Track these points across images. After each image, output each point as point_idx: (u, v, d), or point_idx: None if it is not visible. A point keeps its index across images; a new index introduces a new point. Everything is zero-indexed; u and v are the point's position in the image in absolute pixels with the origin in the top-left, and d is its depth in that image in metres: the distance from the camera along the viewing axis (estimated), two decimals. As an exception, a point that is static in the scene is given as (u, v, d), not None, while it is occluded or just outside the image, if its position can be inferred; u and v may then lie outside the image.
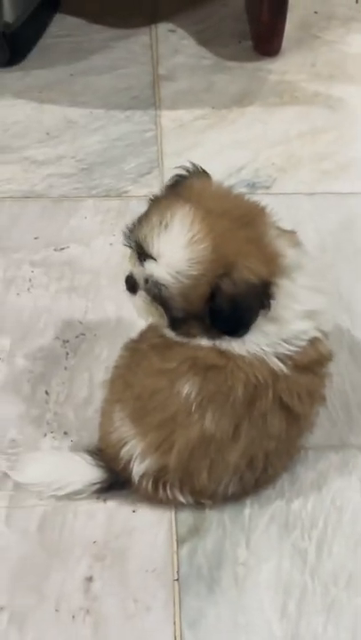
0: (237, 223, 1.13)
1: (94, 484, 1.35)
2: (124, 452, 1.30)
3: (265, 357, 1.18)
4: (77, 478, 1.34)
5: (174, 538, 1.36)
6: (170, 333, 1.22)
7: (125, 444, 1.29)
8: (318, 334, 1.22)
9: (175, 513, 1.38)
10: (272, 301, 1.13)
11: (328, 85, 2.38)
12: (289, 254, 1.17)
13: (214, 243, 1.10)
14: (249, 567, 1.33)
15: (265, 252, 1.13)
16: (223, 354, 1.18)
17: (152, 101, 2.29)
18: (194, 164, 1.25)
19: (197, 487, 1.30)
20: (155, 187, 1.99)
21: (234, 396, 1.18)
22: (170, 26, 2.57)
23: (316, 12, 2.68)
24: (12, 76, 2.37)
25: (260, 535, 1.37)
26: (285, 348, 1.18)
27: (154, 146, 2.14)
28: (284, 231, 1.22)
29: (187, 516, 1.38)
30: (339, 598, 1.30)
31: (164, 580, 1.31)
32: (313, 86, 2.38)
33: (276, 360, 1.18)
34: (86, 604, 1.28)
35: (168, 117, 2.24)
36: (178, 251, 1.10)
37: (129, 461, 1.30)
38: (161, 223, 1.12)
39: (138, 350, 1.33)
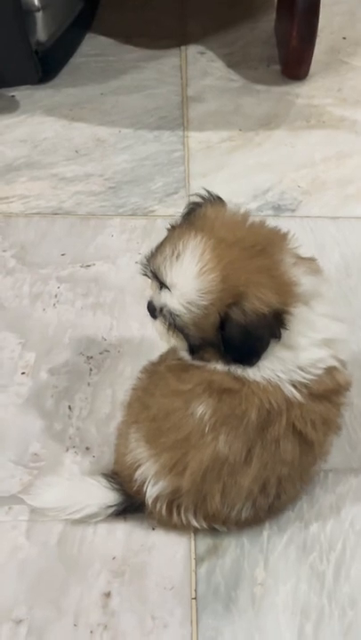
0: (250, 252, 1.14)
1: (110, 506, 1.35)
2: (139, 473, 1.30)
3: (279, 384, 1.18)
4: (93, 502, 1.35)
5: (193, 556, 1.37)
6: (187, 356, 1.24)
7: (140, 465, 1.30)
8: (336, 363, 1.22)
9: (194, 532, 1.38)
10: (284, 330, 1.14)
11: (354, 110, 2.40)
12: (305, 282, 1.17)
13: (224, 272, 1.11)
14: (266, 588, 1.33)
15: (278, 281, 1.14)
16: (238, 379, 1.19)
17: (180, 122, 2.32)
18: (209, 192, 1.26)
19: (211, 511, 1.29)
20: (181, 206, 2.00)
21: (247, 420, 1.19)
22: (200, 48, 2.61)
23: (344, 38, 2.70)
24: (43, 93, 2.40)
25: (278, 556, 1.37)
26: (301, 376, 1.19)
27: (181, 166, 2.17)
28: (303, 258, 1.22)
29: (205, 535, 1.38)
30: (356, 622, 1.30)
31: (181, 598, 1.32)
32: (339, 111, 2.40)
33: (290, 387, 1.18)
34: (104, 620, 1.29)
35: (195, 138, 2.26)
36: (188, 281, 1.12)
37: (143, 483, 1.30)
38: (173, 253, 1.14)
39: (156, 372, 1.35)
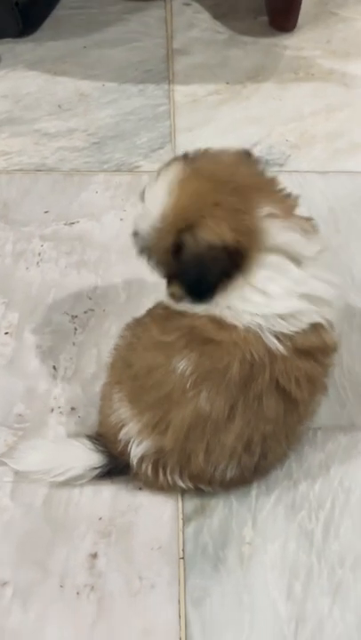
0: (223, 189, 1.13)
1: (94, 468, 1.33)
2: (123, 434, 1.29)
3: (261, 334, 1.16)
4: (77, 464, 1.33)
5: (180, 516, 1.35)
6: (171, 302, 1.25)
7: (124, 425, 1.29)
8: (321, 321, 1.20)
9: (181, 491, 1.37)
10: (239, 271, 1.14)
11: (344, 63, 2.35)
12: (279, 235, 1.15)
13: (187, 201, 1.12)
14: (255, 547, 1.32)
15: (240, 222, 1.12)
16: (220, 326, 1.18)
17: (165, 75, 2.27)
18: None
19: (195, 471, 1.28)
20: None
21: (229, 375, 1.17)
22: (185, -1, 2.55)
23: (333, -12, 2.65)
24: (24, 47, 2.35)
25: (266, 515, 1.36)
26: (282, 326, 1.17)
27: (166, 120, 2.12)
28: (296, 215, 1.20)
29: (193, 495, 1.37)
30: (345, 580, 1.29)
31: (169, 558, 1.31)
32: (328, 63, 2.35)
33: (272, 338, 1.16)
34: (91, 581, 1.28)
35: (181, 92, 2.22)
36: (154, 204, 1.15)
37: (128, 444, 1.29)
38: (155, 178, 1.17)
39: (140, 324, 1.34)
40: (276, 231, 1.15)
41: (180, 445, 1.24)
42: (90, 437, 1.36)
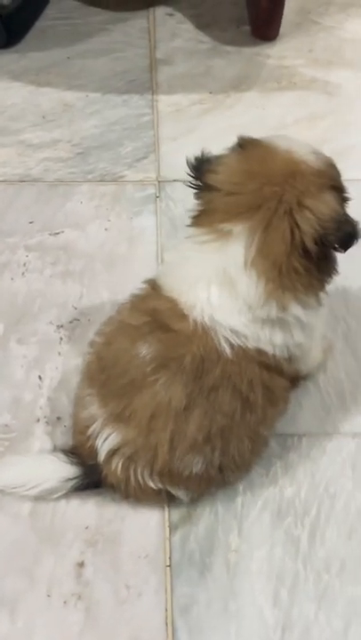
0: None
1: (70, 479, 1.33)
2: (91, 430, 1.29)
3: (211, 332, 1.20)
4: (51, 475, 1.33)
5: (167, 524, 1.36)
6: None
7: (93, 422, 1.29)
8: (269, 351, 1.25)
9: (168, 499, 1.37)
10: None
11: (326, 71, 2.37)
12: None
13: None
14: (241, 554, 1.33)
15: None
16: (179, 315, 1.22)
17: (149, 85, 2.27)
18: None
19: (162, 466, 1.26)
20: (151, 171, 1.99)
21: (184, 365, 1.21)
22: (168, 9, 2.56)
23: (314, -3, 2.66)
24: (8, 58, 2.35)
25: (252, 522, 1.37)
26: (233, 336, 1.21)
27: (150, 130, 2.13)
28: None
29: (179, 503, 1.37)
30: (331, 586, 1.30)
31: (155, 566, 1.31)
32: (311, 72, 2.36)
33: (222, 340, 1.20)
34: (78, 590, 1.28)
35: (165, 102, 2.22)
36: None
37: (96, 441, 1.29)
38: None
39: (118, 311, 1.38)
40: None
41: (145, 436, 1.24)
42: (64, 451, 1.36)
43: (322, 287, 1.24)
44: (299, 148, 1.21)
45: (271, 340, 1.22)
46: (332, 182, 1.20)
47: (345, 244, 1.20)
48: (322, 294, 1.25)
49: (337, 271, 1.24)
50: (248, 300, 1.18)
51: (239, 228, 1.17)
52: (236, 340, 1.21)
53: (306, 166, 1.19)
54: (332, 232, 1.15)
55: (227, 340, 1.20)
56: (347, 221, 1.19)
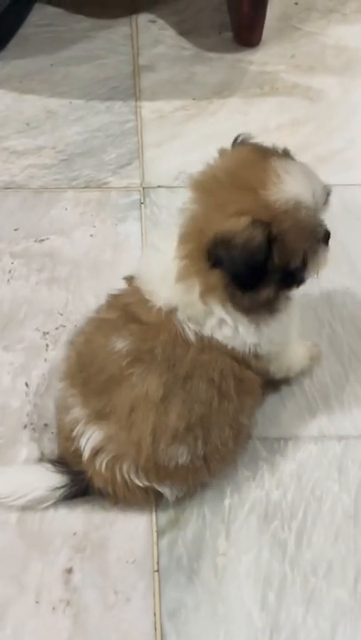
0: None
1: (57, 488, 1.33)
2: (75, 432, 1.30)
3: (175, 320, 1.24)
4: (39, 484, 1.33)
5: (154, 529, 1.36)
6: None
7: (77, 424, 1.30)
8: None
9: (155, 504, 1.38)
10: None
11: (308, 77, 2.38)
12: None
13: None
14: (229, 558, 1.34)
15: None
16: (147, 306, 1.26)
17: (132, 92, 2.28)
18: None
19: (147, 460, 1.27)
20: (135, 178, 1.99)
21: (155, 355, 1.23)
22: (150, 16, 2.57)
23: (296, 4, 2.67)
24: (-9, 65, 2.35)
25: (239, 526, 1.37)
26: (192, 325, 1.24)
27: (134, 137, 2.14)
28: None
29: (167, 507, 1.38)
30: (318, 588, 1.31)
31: (144, 571, 1.31)
32: (293, 77, 2.38)
33: (186, 329, 1.24)
34: (67, 596, 1.28)
35: (148, 108, 2.23)
36: None
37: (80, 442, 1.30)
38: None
39: (98, 310, 1.41)
40: None
41: (127, 430, 1.26)
42: (51, 461, 1.37)
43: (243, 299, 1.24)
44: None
45: (223, 334, 1.25)
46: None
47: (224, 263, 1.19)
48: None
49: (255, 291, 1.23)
50: (190, 295, 1.23)
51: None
52: (197, 329, 1.24)
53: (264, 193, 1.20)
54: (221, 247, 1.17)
55: (189, 328, 1.24)
56: (236, 246, 1.16)
